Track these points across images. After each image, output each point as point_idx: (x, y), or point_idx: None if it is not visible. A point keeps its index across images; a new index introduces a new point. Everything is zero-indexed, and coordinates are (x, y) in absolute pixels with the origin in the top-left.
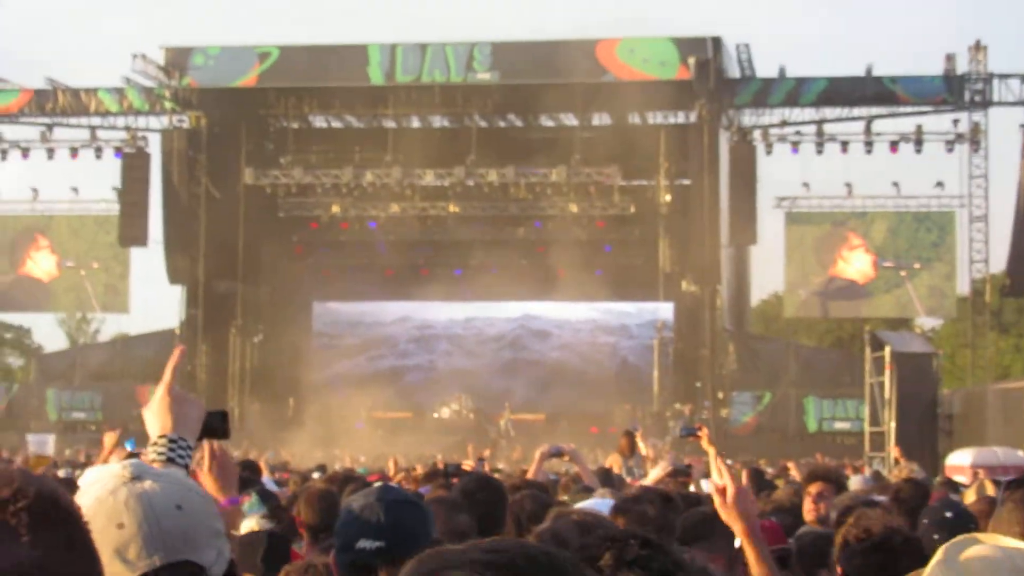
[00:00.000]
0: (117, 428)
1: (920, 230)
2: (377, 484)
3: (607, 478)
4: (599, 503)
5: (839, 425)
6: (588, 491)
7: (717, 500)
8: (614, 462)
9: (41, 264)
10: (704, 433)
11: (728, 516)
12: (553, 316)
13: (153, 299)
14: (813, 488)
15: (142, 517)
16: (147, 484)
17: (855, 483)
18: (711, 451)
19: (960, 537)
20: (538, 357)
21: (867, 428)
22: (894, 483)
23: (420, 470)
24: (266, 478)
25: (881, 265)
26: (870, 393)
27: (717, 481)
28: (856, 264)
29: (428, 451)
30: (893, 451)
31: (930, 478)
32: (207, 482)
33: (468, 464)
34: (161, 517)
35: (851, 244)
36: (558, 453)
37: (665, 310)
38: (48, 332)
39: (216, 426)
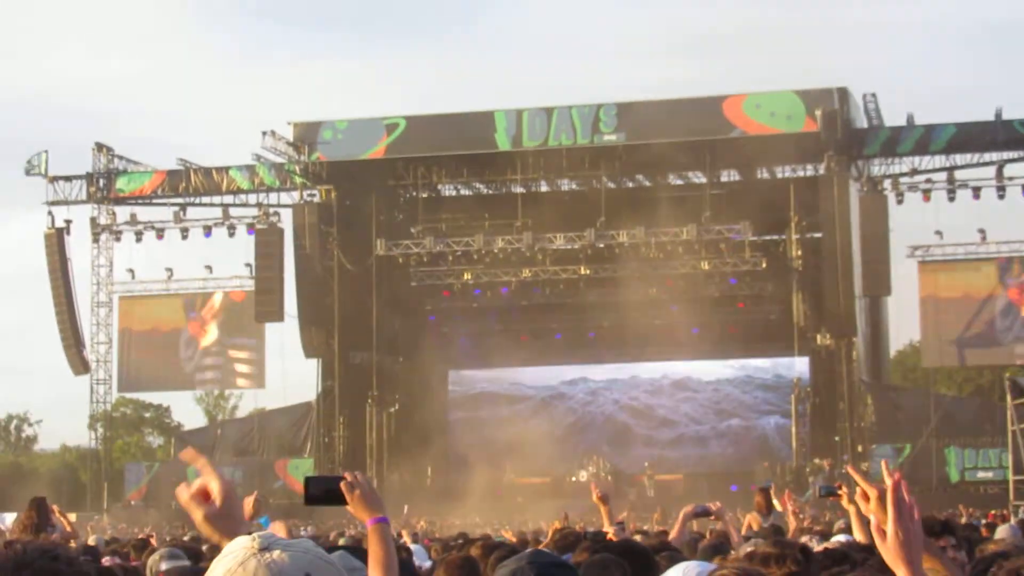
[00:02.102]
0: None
1: None
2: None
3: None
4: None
5: (982, 475)
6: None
7: (879, 542)
8: (753, 521)
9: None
10: (844, 492)
11: (889, 559)
12: (688, 374)
13: (290, 373)
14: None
15: None
16: (276, 554)
17: (1002, 532)
18: (851, 509)
19: None
20: (675, 416)
21: (1011, 476)
22: None
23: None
24: (415, 546)
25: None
26: (1012, 440)
27: (874, 518)
28: (995, 310)
29: (572, 516)
30: None
31: None
32: (355, 505)
33: (608, 528)
34: None
35: (991, 291)
36: (704, 513)
37: (801, 364)
38: (187, 410)
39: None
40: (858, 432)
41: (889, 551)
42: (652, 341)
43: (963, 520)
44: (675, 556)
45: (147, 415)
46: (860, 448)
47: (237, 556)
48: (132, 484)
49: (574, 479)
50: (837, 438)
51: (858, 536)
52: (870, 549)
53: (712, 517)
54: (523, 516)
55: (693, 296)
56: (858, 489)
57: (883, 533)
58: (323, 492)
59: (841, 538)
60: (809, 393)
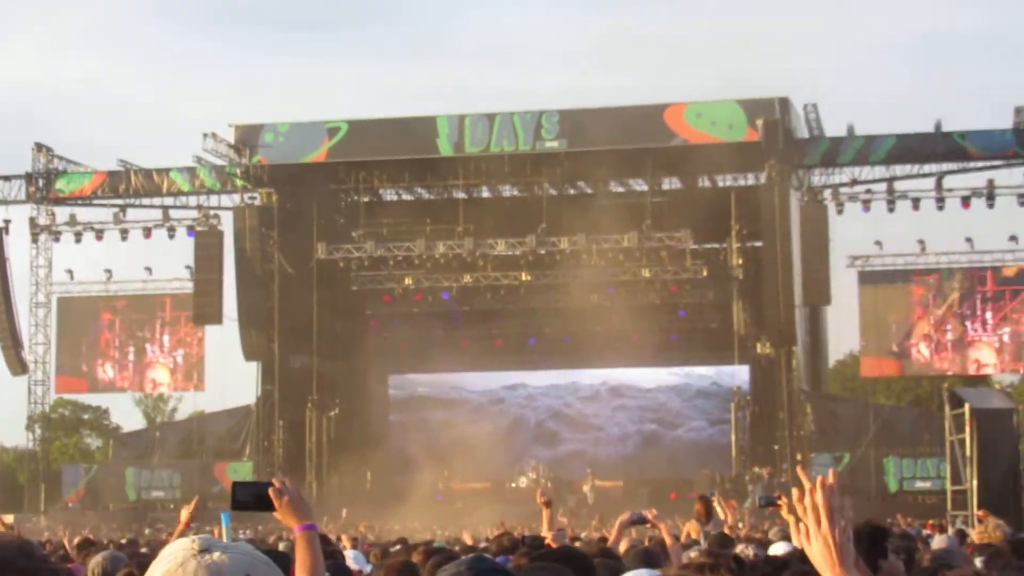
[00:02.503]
0: (193, 499)
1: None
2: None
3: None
4: None
5: (920, 484)
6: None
7: (805, 546)
8: (692, 529)
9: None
10: (783, 502)
11: (818, 564)
12: (629, 382)
13: (229, 376)
14: None
15: None
16: (215, 555)
17: (938, 542)
18: (791, 519)
19: None
20: (614, 423)
21: (949, 486)
22: (985, 542)
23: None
24: (353, 551)
25: (962, 322)
26: (951, 451)
27: (801, 541)
28: (933, 320)
29: (508, 522)
30: (976, 511)
31: (1016, 532)
32: (282, 512)
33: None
34: None
35: (928, 301)
36: (641, 520)
37: (741, 373)
38: (126, 412)
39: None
40: (797, 441)
41: (815, 556)
42: (593, 348)
43: (901, 529)
44: (614, 563)
45: (85, 416)
46: (799, 457)
47: (177, 557)
48: (70, 486)
49: (514, 485)
50: (776, 447)
51: (798, 544)
52: None
53: (649, 524)
54: (463, 521)
55: (634, 303)
56: (795, 493)
57: (809, 538)
58: (250, 498)
59: (784, 546)
60: (749, 401)
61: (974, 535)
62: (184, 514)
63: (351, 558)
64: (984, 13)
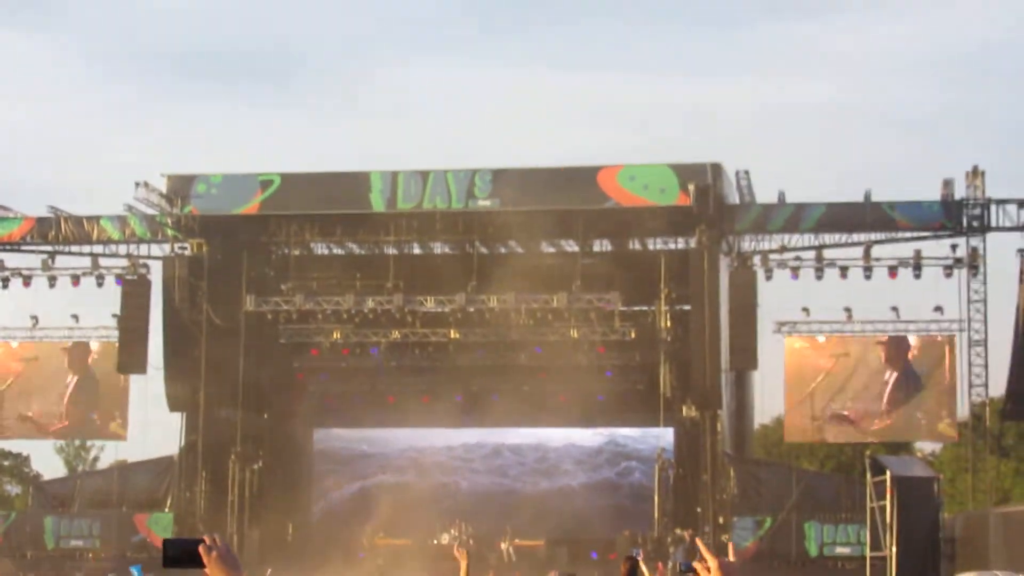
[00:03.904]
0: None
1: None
2: None
3: None
4: None
5: (840, 550)
6: None
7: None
8: None
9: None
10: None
11: None
12: (553, 442)
13: (152, 426)
14: None
15: None
16: None
17: None
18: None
19: None
20: (538, 482)
21: (868, 553)
22: None
23: None
24: None
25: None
26: (871, 517)
27: (703, 559)
28: (858, 388)
29: None
30: None
31: None
32: (212, 568)
33: None
34: None
35: (854, 369)
36: None
37: (666, 435)
38: (46, 459)
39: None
40: (720, 504)
41: None
42: (520, 407)
43: None
44: None
45: (5, 463)
46: (721, 520)
47: None
48: None
49: (436, 542)
50: (699, 509)
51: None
52: None
53: None
54: None
55: (562, 364)
56: (697, 563)
57: (708, 568)
58: (181, 555)
59: None
60: (673, 463)
61: None
62: None
63: None
64: (914, 87)
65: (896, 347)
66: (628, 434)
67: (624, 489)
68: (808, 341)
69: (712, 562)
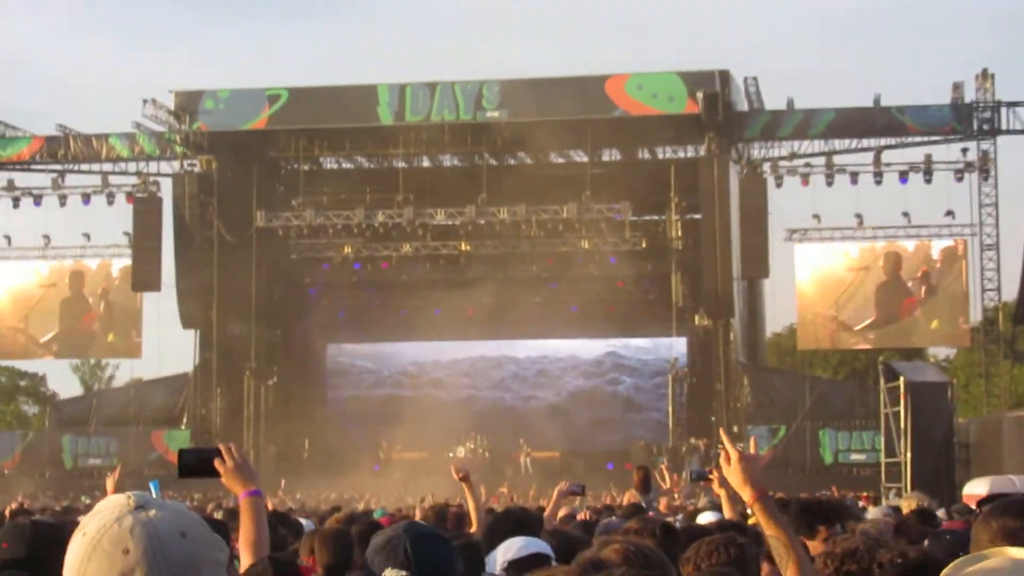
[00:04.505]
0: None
1: (938, 258)
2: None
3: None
4: None
5: (855, 457)
6: None
7: (724, 468)
8: (630, 498)
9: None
10: (715, 476)
11: (736, 483)
12: (567, 353)
13: (167, 343)
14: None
15: (147, 543)
16: (152, 513)
17: (873, 513)
18: (723, 493)
19: (968, 555)
20: (553, 394)
21: (883, 459)
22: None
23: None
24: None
25: (899, 295)
26: (885, 424)
27: (725, 450)
28: (879, 300)
29: (445, 492)
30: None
31: (947, 507)
32: (228, 478)
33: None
34: (166, 544)
35: (875, 280)
36: (580, 491)
37: (679, 345)
38: (63, 379)
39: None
40: (734, 413)
41: (733, 473)
42: (532, 319)
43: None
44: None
45: (22, 383)
46: (736, 429)
47: (112, 512)
48: (6, 452)
49: (452, 455)
50: (713, 418)
51: (728, 514)
52: (738, 527)
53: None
54: (400, 492)
55: (573, 275)
56: (722, 452)
57: (728, 459)
58: (197, 464)
59: (710, 516)
60: (686, 373)
61: (903, 507)
62: (109, 484)
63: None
64: None
65: (907, 254)
66: (641, 345)
67: (638, 399)
68: (820, 248)
69: (734, 454)
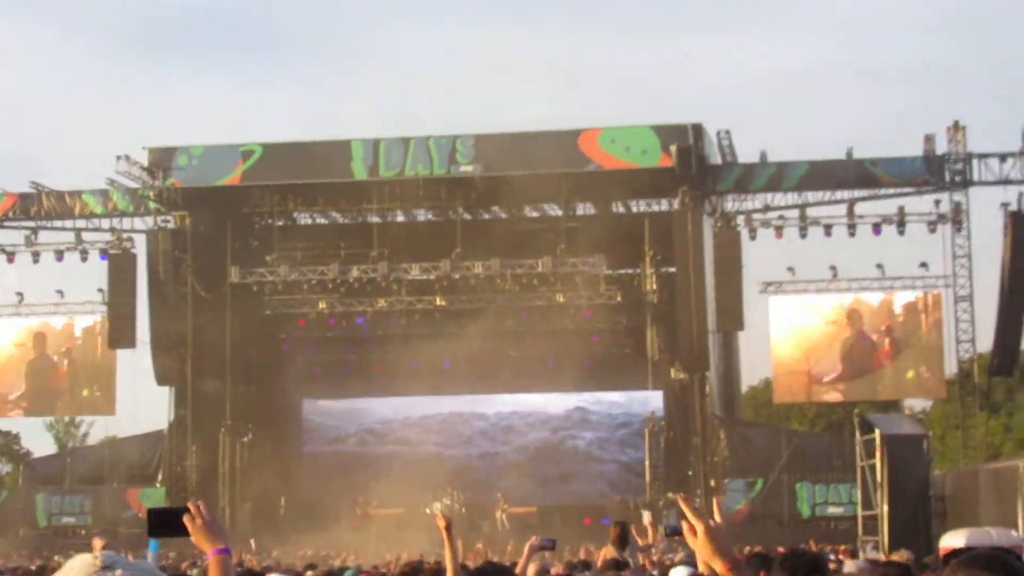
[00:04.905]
0: (103, 535)
1: (912, 310)
2: None
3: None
4: None
5: (832, 510)
6: None
7: (690, 540)
8: (607, 553)
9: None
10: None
11: (704, 555)
12: (543, 407)
13: (141, 400)
14: None
15: None
16: (117, 573)
17: (850, 567)
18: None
19: None
20: (529, 448)
21: (860, 512)
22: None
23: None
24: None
25: (873, 347)
26: (862, 477)
27: (689, 522)
28: (854, 353)
29: (422, 548)
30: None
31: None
32: (197, 536)
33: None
34: None
35: (849, 332)
36: (551, 546)
37: (655, 398)
38: (36, 437)
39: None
40: (711, 466)
41: (700, 545)
42: (508, 373)
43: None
44: None
45: None
46: (713, 482)
47: (80, 572)
48: None
49: (428, 511)
50: (691, 472)
51: (702, 569)
52: None
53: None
54: (377, 548)
55: (549, 328)
56: (684, 524)
57: (694, 532)
58: (165, 522)
59: (684, 570)
60: (663, 427)
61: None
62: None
63: None
64: (893, 43)
65: (870, 309)
66: (617, 399)
67: (615, 454)
68: (794, 300)
69: (699, 526)
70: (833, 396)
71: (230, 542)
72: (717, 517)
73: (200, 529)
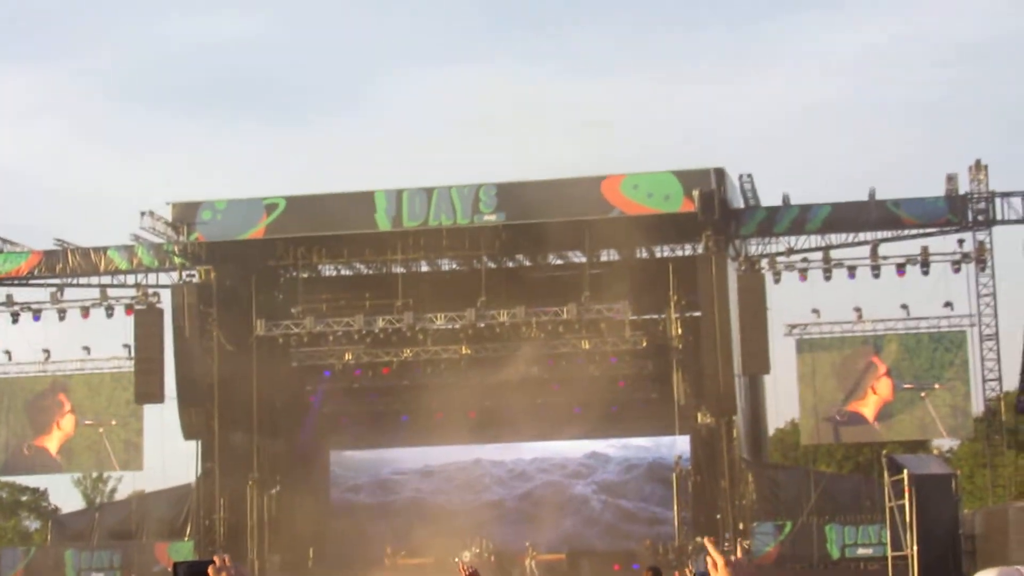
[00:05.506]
0: None
1: (938, 350)
2: None
3: None
4: None
5: (862, 551)
6: None
7: (712, 574)
8: None
9: (64, 428)
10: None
11: None
12: (570, 454)
13: (169, 454)
14: None
15: None
16: None
17: None
18: None
19: None
20: (556, 495)
21: (889, 552)
22: None
23: None
24: None
25: (900, 387)
26: (890, 517)
27: (712, 558)
28: (881, 393)
29: None
30: None
31: None
32: None
33: None
34: None
35: (877, 372)
36: None
37: (682, 443)
38: (64, 493)
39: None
40: (739, 510)
41: None
42: (534, 420)
43: None
44: None
45: (23, 499)
46: (741, 526)
47: None
48: (8, 569)
49: (457, 560)
50: (719, 516)
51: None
52: None
53: None
54: None
55: (574, 375)
56: (708, 560)
57: (716, 566)
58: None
59: None
60: (691, 472)
61: None
62: None
63: None
64: (914, 83)
65: (904, 345)
66: (644, 444)
67: (643, 499)
68: (819, 343)
69: (719, 559)
70: (860, 437)
71: None
72: (739, 553)
73: None
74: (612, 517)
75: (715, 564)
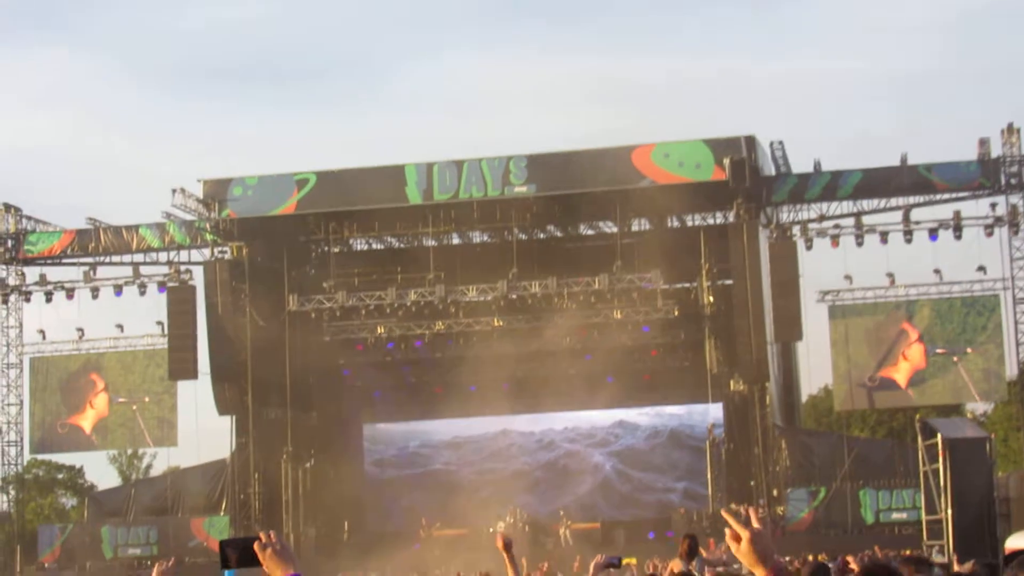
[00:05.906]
0: (168, 559)
1: (970, 314)
2: None
3: None
4: None
5: (896, 516)
6: None
7: (734, 548)
8: (675, 566)
9: (98, 407)
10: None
11: (748, 561)
12: (603, 423)
13: (203, 430)
14: None
15: None
16: None
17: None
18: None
19: None
20: (590, 465)
21: (924, 517)
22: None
23: None
24: None
25: (933, 352)
26: (925, 481)
27: (733, 530)
28: (913, 359)
29: (487, 566)
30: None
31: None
32: (268, 563)
33: None
34: None
35: (909, 339)
36: (617, 563)
37: (715, 411)
38: (100, 470)
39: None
40: (773, 477)
41: (744, 553)
42: (567, 391)
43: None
44: None
45: (60, 476)
46: (776, 492)
47: None
48: (46, 547)
49: (492, 530)
50: (753, 483)
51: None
52: None
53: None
54: (442, 569)
55: (607, 345)
56: (728, 532)
57: (738, 539)
58: (238, 554)
59: None
60: (724, 439)
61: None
62: (156, 572)
63: None
64: (945, 47)
65: (936, 311)
66: (677, 412)
67: (677, 467)
68: (852, 308)
69: (743, 533)
70: (894, 402)
71: (298, 565)
72: (755, 524)
73: (272, 557)
74: (645, 485)
75: (736, 538)
